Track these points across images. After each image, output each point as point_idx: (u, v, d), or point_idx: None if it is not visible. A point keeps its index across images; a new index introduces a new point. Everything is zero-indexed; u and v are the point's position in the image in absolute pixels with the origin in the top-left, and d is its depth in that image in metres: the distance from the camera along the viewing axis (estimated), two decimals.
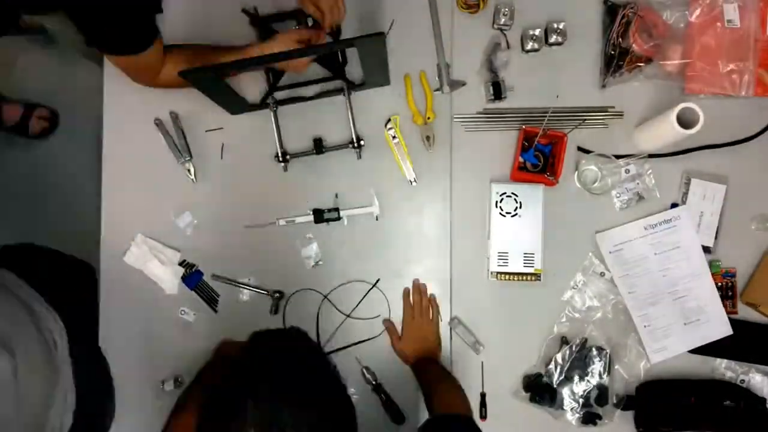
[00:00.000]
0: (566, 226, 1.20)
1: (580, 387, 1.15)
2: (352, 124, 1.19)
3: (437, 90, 1.22)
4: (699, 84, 1.20)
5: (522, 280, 1.18)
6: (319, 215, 1.18)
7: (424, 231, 1.22)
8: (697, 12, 1.19)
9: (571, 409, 1.15)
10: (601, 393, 1.15)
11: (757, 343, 1.17)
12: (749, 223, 1.20)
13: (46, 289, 1.02)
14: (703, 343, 1.17)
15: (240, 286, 1.21)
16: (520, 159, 1.19)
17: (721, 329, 1.17)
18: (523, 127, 1.17)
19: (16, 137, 1.90)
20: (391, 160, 1.22)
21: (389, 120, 1.22)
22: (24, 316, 0.93)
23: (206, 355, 1.19)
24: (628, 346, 1.18)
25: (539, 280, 1.18)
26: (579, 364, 1.15)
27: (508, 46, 1.18)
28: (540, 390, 1.16)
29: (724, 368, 1.18)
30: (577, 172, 1.21)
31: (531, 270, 1.18)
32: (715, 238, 1.19)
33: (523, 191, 1.19)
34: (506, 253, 1.18)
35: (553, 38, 1.20)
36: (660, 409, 1.14)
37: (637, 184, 1.20)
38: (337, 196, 1.20)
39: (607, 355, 1.15)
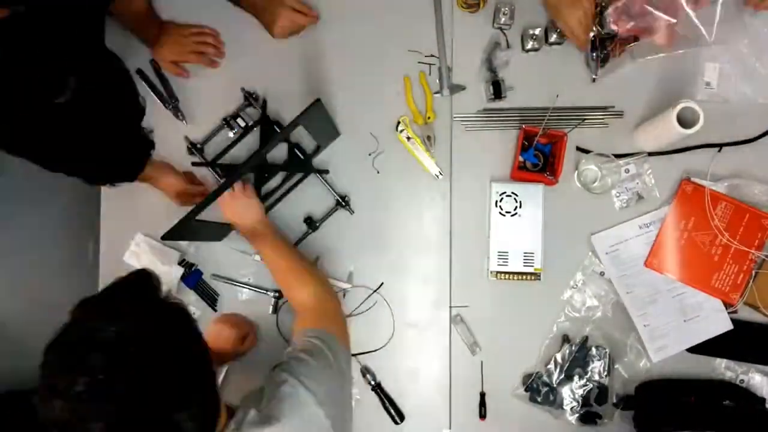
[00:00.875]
0: (566, 226, 1.20)
1: (579, 386, 1.15)
2: (331, 191, 1.21)
3: (437, 93, 1.23)
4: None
5: (522, 279, 1.18)
6: None
7: (424, 230, 1.22)
8: None
9: (571, 408, 1.15)
10: (601, 392, 1.15)
11: (757, 343, 1.17)
12: None
13: None
14: (704, 339, 1.17)
15: (239, 286, 1.21)
16: (520, 158, 1.19)
17: (722, 324, 1.17)
18: (523, 126, 1.17)
19: None
20: (400, 162, 1.22)
21: (398, 123, 1.22)
22: None
23: None
24: (628, 346, 1.18)
25: (539, 279, 1.18)
26: (579, 363, 1.15)
27: (508, 46, 1.18)
28: (539, 389, 1.16)
29: (723, 368, 1.18)
30: (577, 172, 1.21)
31: (531, 269, 1.18)
32: None
33: (523, 191, 1.19)
34: (506, 252, 1.18)
35: (553, 38, 1.20)
36: (660, 409, 1.14)
37: (637, 183, 1.20)
38: (317, 258, 1.21)
39: (607, 354, 1.15)
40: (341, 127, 1.22)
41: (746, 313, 1.18)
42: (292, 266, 1.05)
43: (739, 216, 1.17)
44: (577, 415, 1.15)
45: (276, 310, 1.20)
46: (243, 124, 1.22)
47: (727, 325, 1.17)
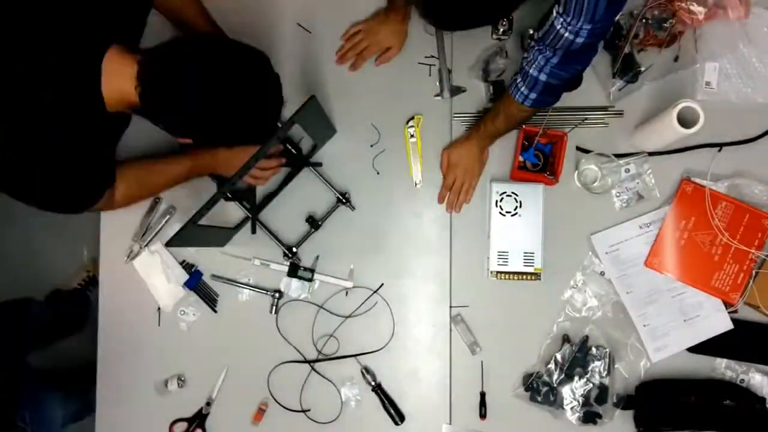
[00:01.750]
0: (566, 226, 1.20)
1: (580, 386, 1.15)
2: (331, 188, 1.21)
3: (437, 95, 1.23)
4: None
5: (522, 279, 1.18)
6: (293, 270, 1.19)
7: (424, 230, 1.22)
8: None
9: (571, 408, 1.15)
10: (602, 392, 1.15)
11: (757, 342, 1.17)
12: None
13: None
14: (704, 338, 1.17)
15: (239, 286, 1.21)
16: (520, 158, 1.19)
17: (722, 324, 1.17)
18: (523, 126, 1.17)
19: None
20: (400, 162, 1.22)
21: (412, 118, 1.22)
22: None
23: (208, 353, 1.20)
24: (628, 345, 1.18)
25: (539, 279, 1.18)
26: (579, 363, 1.15)
27: (507, 56, 1.19)
28: (540, 389, 1.15)
29: (724, 368, 1.17)
30: (577, 172, 1.21)
31: (531, 269, 1.18)
32: None
33: (523, 190, 1.19)
34: (506, 252, 1.18)
35: None
36: (660, 409, 1.14)
37: (637, 183, 1.20)
38: (317, 258, 1.21)
39: (608, 354, 1.15)
40: (339, 125, 1.22)
41: (746, 313, 1.18)
42: None
43: (739, 216, 1.17)
44: (577, 414, 1.15)
45: (276, 310, 1.20)
46: None
47: (727, 325, 1.17)
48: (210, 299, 1.21)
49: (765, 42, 1.21)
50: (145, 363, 1.21)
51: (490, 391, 1.18)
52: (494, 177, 1.21)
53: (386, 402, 1.17)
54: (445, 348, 1.20)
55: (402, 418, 1.17)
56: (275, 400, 1.19)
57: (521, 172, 1.19)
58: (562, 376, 1.15)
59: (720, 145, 1.20)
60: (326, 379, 1.19)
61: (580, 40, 0.85)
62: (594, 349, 1.16)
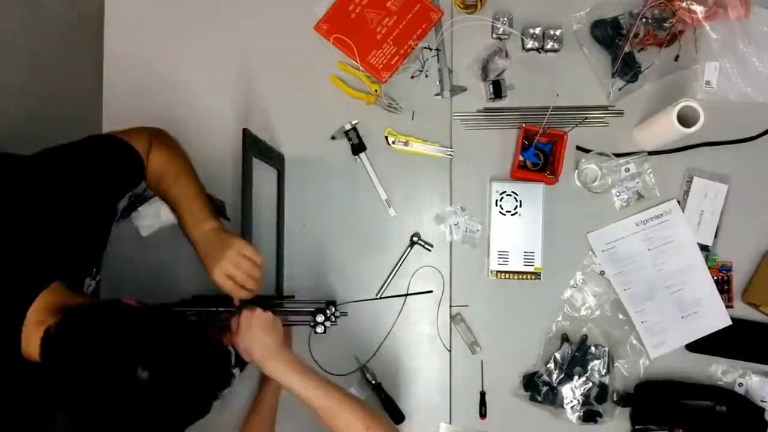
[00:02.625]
0: (566, 225, 1.20)
1: (579, 385, 1.15)
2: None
3: (437, 95, 1.22)
4: None
5: (522, 278, 1.18)
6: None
7: (424, 229, 1.22)
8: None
9: (571, 407, 1.15)
10: (601, 391, 1.15)
11: (757, 342, 1.17)
12: (750, 223, 1.20)
13: None
14: (702, 335, 1.17)
15: None
16: (521, 158, 1.19)
17: (720, 320, 1.17)
18: (523, 125, 1.17)
19: None
20: (395, 166, 1.22)
21: (386, 137, 1.22)
22: None
23: None
24: (627, 344, 1.18)
25: (539, 278, 1.18)
26: (579, 362, 1.15)
27: (507, 56, 1.19)
28: (540, 388, 1.15)
29: (723, 369, 1.17)
30: (577, 171, 1.21)
31: (531, 269, 1.18)
32: (715, 237, 1.19)
33: (523, 190, 1.19)
34: (506, 251, 1.18)
35: (549, 45, 1.21)
36: (657, 408, 1.14)
37: (637, 182, 1.20)
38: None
39: (607, 353, 1.15)
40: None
41: (745, 312, 1.18)
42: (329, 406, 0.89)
43: (411, 4, 1.20)
44: (577, 414, 1.15)
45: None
46: None
47: (725, 321, 1.17)
48: None
49: (765, 42, 1.21)
50: None
51: (489, 390, 1.18)
52: (494, 176, 1.21)
53: (386, 401, 1.17)
54: (445, 348, 1.19)
55: (402, 417, 1.17)
56: None
57: (521, 172, 1.19)
58: (562, 375, 1.15)
59: (720, 144, 1.20)
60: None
61: None
62: (593, 348, 1.16)
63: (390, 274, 1.20)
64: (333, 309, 1.07)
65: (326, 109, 1.23)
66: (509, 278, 1.18)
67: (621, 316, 1.18)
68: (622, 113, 1.22)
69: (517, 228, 1.18)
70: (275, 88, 1.24)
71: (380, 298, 1.19)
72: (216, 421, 0.99)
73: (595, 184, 1.20)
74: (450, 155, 1.22)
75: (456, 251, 1.21)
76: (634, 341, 1.18)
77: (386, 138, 1.22)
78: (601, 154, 1.20)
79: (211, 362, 0.81)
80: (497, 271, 1.18)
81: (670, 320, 1.18)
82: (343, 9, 1.21)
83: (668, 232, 1.19)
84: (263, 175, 1.17)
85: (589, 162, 1.20)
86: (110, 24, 1.25)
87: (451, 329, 1.20)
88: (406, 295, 1.20)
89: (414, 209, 1.22)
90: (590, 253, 1.20)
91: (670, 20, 1.15)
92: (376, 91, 1.21)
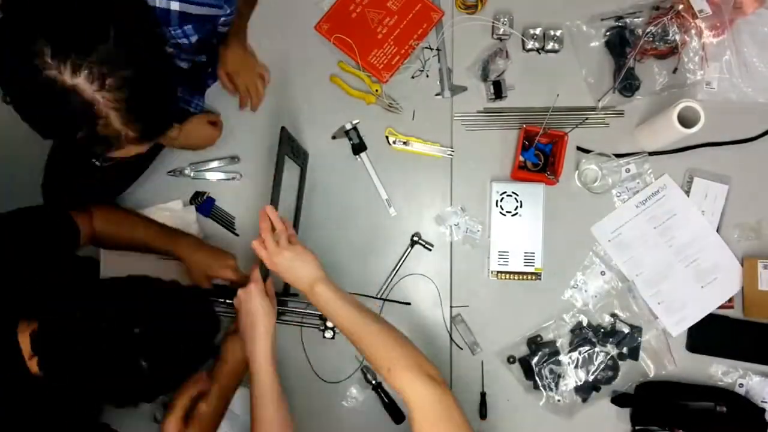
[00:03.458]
0: (566, 225, 1.20)
1: (582, 375, 1.16)
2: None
3: (438, 95, 1.22)
4: None
5: (522, 279, 1.18)
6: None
7: (424, 229, 1.22)
8: None
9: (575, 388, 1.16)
10: (609, 377, 1.16)
11: (757, 342, 1.17)
12: (744, 227, 1.20)
13: None
14: (724, 300, 1.17)
15: None
16: (521, 158, 1.19)
17: (735, 284, 1.17)
18: (524, 126, 1.17)
19: None
20: (396, 166, 1.23)
21: (386, 137, 1.22)
22: None
23: None
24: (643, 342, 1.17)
25: (539, 279, 1.18)
26: (582, 344, 1.16)
27: (507, 56, 1.19)
28: (542, 374, 1.16)
29: (723, 370, 1.17)
30: (577, 172, 1.21)
31: (531, 269, 1.18)
32: None
33: (523, 190, 1.19)
34: (507, 252, 1.18)
35: (549, 45, 1.21)
36: (657, 409, 1.14)
37: (638, 183, 1.20)
38: None
39: (610, 352, 1.16)
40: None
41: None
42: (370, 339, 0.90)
43: (412, 4, 1.21)
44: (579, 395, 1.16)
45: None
46: None
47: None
48: (227, 222, 1.20)
49: (765, 42, 1.21)
50: None
51: (490, 391, 1.18)
52: (495, 177, 1.21)
53: (386, 401, 1.17)
54: (445, 348, 1.19)
55: (402, 417, 1.17)
56: None
57: (522, 172, 1.19)
58: (566, 360, 1.16)
59: (720, 144, 1.20)
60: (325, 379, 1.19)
61: None
62: (592, 336, 1.16)
63: (390, 274, 1.20)
64: None
65: (327, 109, 1.23)
66: (510, 279, 1.18)
67: (621, 316, 1.18)
68: (623, 114, 1.22)
69: (517, 228, 1.18)
70: (275, 87, 1.24)
71: (380, 298, 1.19)
72: None
73: (595, 184, 1.20)
74: (450, 155, 1.22)
75: (456, 251, 1.21)
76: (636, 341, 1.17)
77: (387, 138, 1.22)
78: (601, 154, 1.20)
79: (195, 304, 0.86)
80: (498, 272, 1.18)
81: (690, 294, 1.17)
82: (344, 9, 1.21)
83: (668, 206, 1.19)
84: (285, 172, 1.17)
85: (589, 162, 1.20)
86: None
87: (451, 329, 1.20)
88: (408, 302, 1.20)
89: (414, 209, 1.22)
90: (591, 253, 1.19)
91: (674, 35, 1.16)
92: (376, 90, 1.21)
